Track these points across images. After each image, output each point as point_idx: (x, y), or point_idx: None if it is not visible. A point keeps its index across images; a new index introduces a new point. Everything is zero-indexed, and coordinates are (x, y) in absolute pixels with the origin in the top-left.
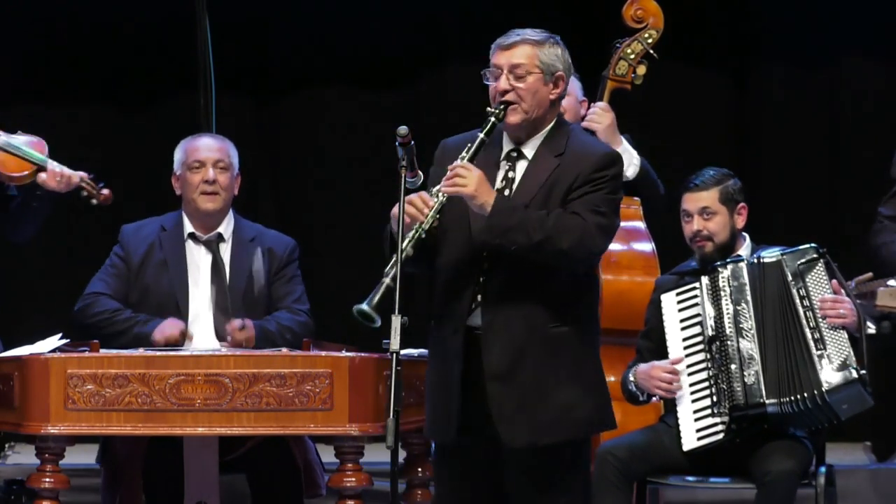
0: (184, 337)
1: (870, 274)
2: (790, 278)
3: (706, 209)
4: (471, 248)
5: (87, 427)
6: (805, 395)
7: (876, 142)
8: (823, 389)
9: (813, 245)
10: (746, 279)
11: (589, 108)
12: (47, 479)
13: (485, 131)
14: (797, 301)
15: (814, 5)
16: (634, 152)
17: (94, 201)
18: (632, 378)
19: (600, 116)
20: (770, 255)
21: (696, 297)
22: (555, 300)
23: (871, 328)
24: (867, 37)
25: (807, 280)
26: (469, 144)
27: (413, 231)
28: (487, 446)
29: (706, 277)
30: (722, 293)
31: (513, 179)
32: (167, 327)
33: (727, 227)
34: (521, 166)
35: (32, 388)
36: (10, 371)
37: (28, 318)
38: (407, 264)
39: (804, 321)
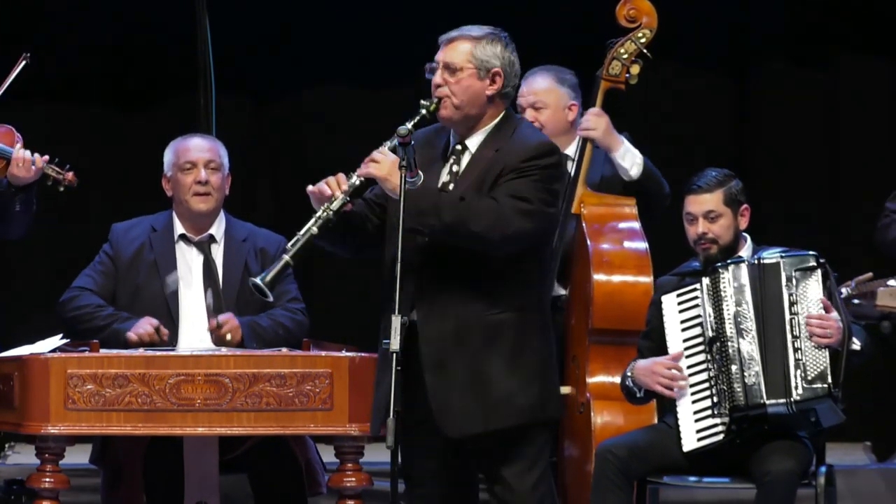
0: (158, 333)
1: (870, 274)
2: (784, 282)
3: (710, 212)
4: (407, 247)
5: (87, 427)
6: (781, 400)
7: (876, 140)
8: (793, 399)
9: (813, 253)
10: (747, 280)
11: (579, 111)
12: (47, 479)
13: (413, 122)
14: (786, 306)
15: (813, 3)
16: (637, 152)
17: (62, 188)
18: (629, 374)
19: (594, 122)
20: (770, 256)
21: (696, 298)
22: (491, 288)
23: (857, 344)
24: (866, 35)
25: (800, 287)
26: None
27: (321, 209)
28: (435, 437)
29: (707, 278)
30: (723, 294)
31: (457, 173)
32: (140, 325)
33: (731, 228)
34: (465, 160)
35: (32, 388)
36: (10, 371)
37: (28, 318)
38: (320, 239)
39: (787, 328)
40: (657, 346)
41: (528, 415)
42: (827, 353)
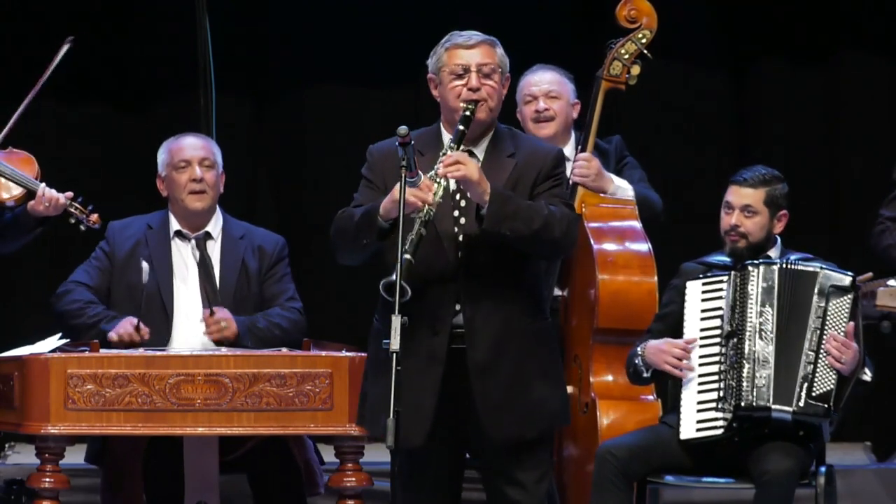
0: (138, 332)
1: (870, 274)
2: (816, 294)
3: (748, 207)
4: (444, 250)
5: (87, 427)
6: (787, 407)
7: (876, 138)
8: (792, 409)
9: (851, 274)
10: (776, 282)
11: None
12: (47, 479)
13: (463, 125)
14: (811, 317)
15: (812, 1)
16: (626, 184)
17: (83, 227)
18: (640, 352)
19: (586, 168)
20: (809, 264)
21: (721, 290)
22: (528, 296)
23: (868, 375)
24: (866, 32)
25: (829, 304)
26: (451, 136)
27: (424, 213)
28: (449, 446)
29: (736, 273)
30: (749, 291)
31: None
32: (121, 325)
33: (764, 229)
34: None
35: (32, 388)
36: (10, 371)
37: (28, 318)
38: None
39: (807, 339)
40: (670, 330)
41: (555, 420)
42: (836, 375)
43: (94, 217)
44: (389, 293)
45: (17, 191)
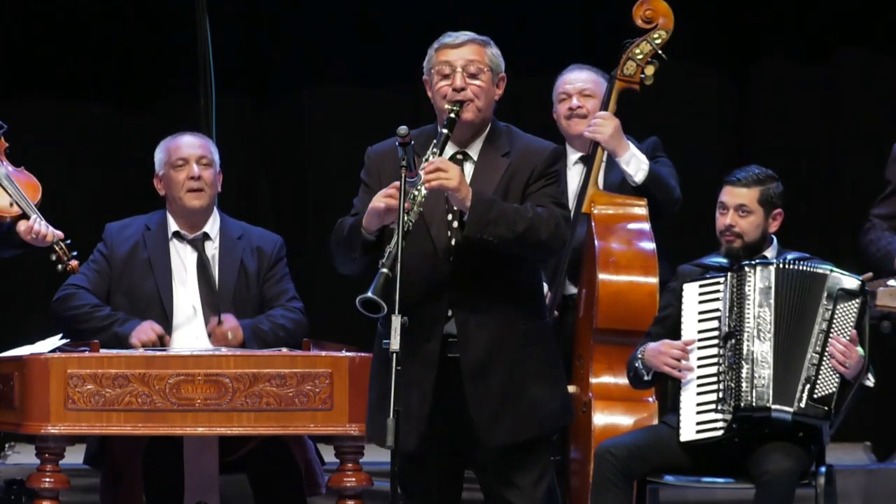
0: (162, 340)
1: (870, 274)
2: (825, 297)
3: (742, 206)
4: (434, 256)
5: (87, 427)
6: (787, 408)
7: (877, 136)
8: (792, 411)
9: (862, 279)
10: (773, 283)
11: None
12: (47, 479)
13: (447, 128)
14: (818, 319)
15: None
16: (643, 157)
17: (60, 267)
18: (640, 355)
19: (602, 126)
20: (819, 266)
21: (718, 291)
22: (525, 298)
23: (871, 381)
24: (867, 31)
25: (838, 307)
26: (434, 141)
27: (402, 222)
28: (447, 451)
29: (732, 275)
30: (746, 292)
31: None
32: (143, 332)
33: (759, 228)
34: (469, 168)
35: (32, 388)
36: (10, 371)
37: (28, 318)
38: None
39: (813, 340)
40: (668, 333)
41: (554, 422)
42: (839, 379)
43: (74, 264)
44: (366, 309)
45: (14, 209)
